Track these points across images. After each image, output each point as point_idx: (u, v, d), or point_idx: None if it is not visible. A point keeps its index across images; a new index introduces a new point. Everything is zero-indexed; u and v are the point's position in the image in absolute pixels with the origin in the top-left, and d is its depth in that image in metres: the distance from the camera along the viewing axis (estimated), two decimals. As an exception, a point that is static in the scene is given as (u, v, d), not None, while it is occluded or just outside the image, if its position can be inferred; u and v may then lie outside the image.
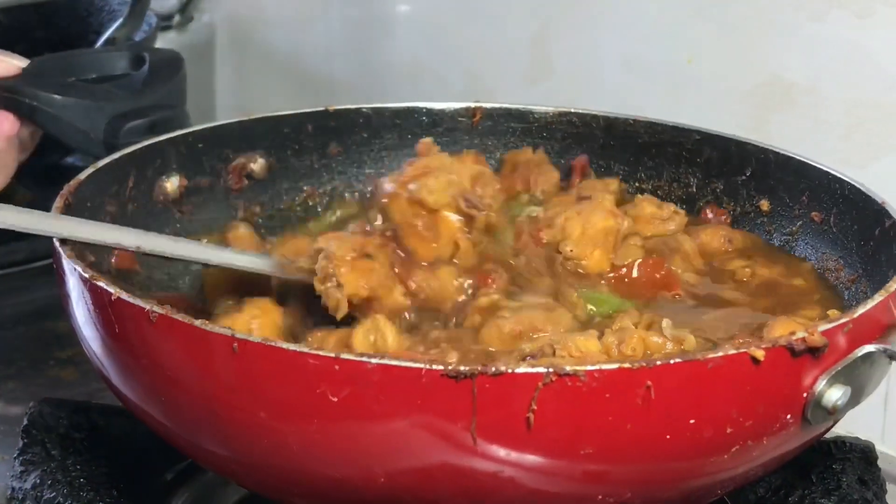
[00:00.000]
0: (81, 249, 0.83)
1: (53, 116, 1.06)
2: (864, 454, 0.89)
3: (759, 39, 1.15)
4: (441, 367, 0.64)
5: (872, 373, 0.73)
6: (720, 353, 0.66)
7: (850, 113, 1.09)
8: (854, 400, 0.72)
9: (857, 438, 0.91)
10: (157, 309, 0.70)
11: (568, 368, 0.64)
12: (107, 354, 0.77)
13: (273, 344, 0.67)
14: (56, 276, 0.82)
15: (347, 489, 0.70)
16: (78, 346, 1.11)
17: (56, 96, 1.05)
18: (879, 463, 0.90)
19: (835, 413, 0.71)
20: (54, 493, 0.85)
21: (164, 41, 1.55)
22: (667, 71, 1.23)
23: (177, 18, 1.69)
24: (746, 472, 0.74)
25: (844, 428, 0.89)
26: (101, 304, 0.75)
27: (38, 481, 0.86)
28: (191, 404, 0.72)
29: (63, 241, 0.81)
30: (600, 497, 0.69)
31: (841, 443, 0.89)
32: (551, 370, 0.64)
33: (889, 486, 0.90)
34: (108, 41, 1.31)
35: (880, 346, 0.72)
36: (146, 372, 0.73)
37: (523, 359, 0.76)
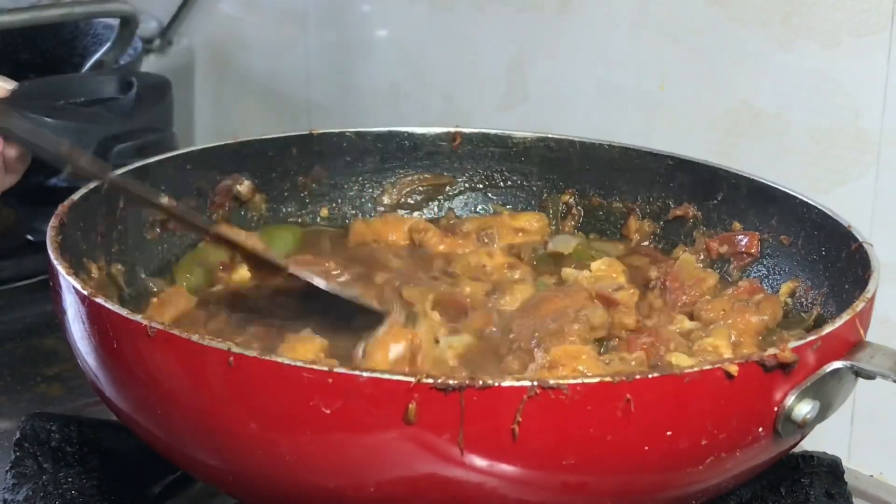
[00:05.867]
0: (77, 267, 0.85)
1: (44, 139, 1.08)
2: (831, 468, 0.92)
3: (729, 68, 1.18)
4: (430, 381, 0.67)
5: (840, 388, 0.76)
6: (696, 368, 0.70)
7: (816, 140, 1.12)
8: (822, 414, 0.75)
9: (824, 453, 0.93)
10: (156, 324, 0.73)
11: (552, 382, 0.67)
12: (103, 368, 0.79)
13: (268, 358, 0.69)
14: (51, 291, 0.84)
15: (338, 499, 0.72)
16: (65, 363, 1.14)
17: (47, 119, 1.07)
18: (846, 478, 0.93)
19: (804, 427, 0.74)
20: (46, 505, 0.87)
21: (144, 64, 1.56)
22: (639, 97, 1.26)
23: (157, 42, 1.71)
24: (719, 483, 0.77)
25: (812, 446, 0.93)
26: (99, 319, 0.77)
27: (31, 493, 0.88)
28: (186, 416, 0.74)
29: (60, 256, 0.83)
30: (581, 506, 0.72)
31: (809, 457, 0.92)
32: (536, 384, 0.67)
33: (857, 501, 0.93)
34: (95, 65, 1.33)
35: (847, 363, 0.75)
36: (143, 385, 0.76)
37: None
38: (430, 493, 0.71)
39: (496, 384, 0.67)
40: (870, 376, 0.76)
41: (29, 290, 1.28)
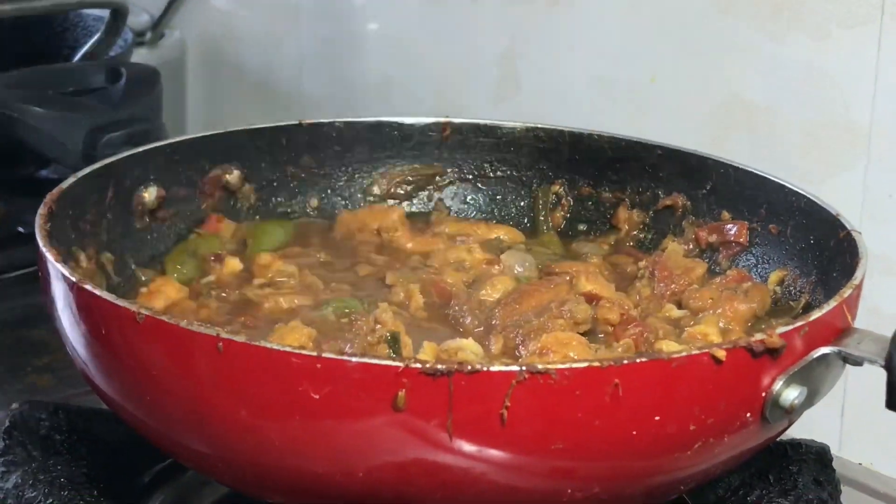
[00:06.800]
0: (66, 255, 0.85)
1: (33, 128, 1.09)
2: (819, 456, 0.92)
3: (719, 60, 1.18)
4: (419, 366, 0.67)
5: (828, 374, 0.76)
6: (684, 353, 0.70)
7: (806, 132, 1.12)
8: (810, 400, 0.75)
9: (812, 441, 0.93)
10: (144, 310, 0.73)
11: (540, 367, 0.67)
12: (92, 356, 0.79)
13: (257, 343, 0.69)
14: (41, 279, 0.84)
15: (327, 484, 0.72)
16: (54, 354, 1.14)
17: (36, 108, 1.08)
18: (837, 469, 0.93)
19: (792, 412, 0.74)
20: (35, 493, 0.86)
21: (136, 57, 1.56)
22: (630, 90, 1.26)
23: (149, 34, 1.71)
24: (708, 468, 0.77)
25: (803, 436, 0.93)
26: (88, 306, 0.77)
27: (20, 481, 0.88)
28: (175, 403, 0.74)
29: (49, 243, 0.82)
30: (569, 491, 0.72)
31: (797, 444, 0.92)
32: (524, 368, 0.67)
33: (846, 489, 0.93)
34: (85, 56, 1.33)
35: (835, 349, 0.75)
36: (131, 372, 0.76)
37: None
38: (418, 478, 0.71)
39: (484, 369, 0.67)
40: (857, 362, 0.76)
41: (19, 281, 1.28)
